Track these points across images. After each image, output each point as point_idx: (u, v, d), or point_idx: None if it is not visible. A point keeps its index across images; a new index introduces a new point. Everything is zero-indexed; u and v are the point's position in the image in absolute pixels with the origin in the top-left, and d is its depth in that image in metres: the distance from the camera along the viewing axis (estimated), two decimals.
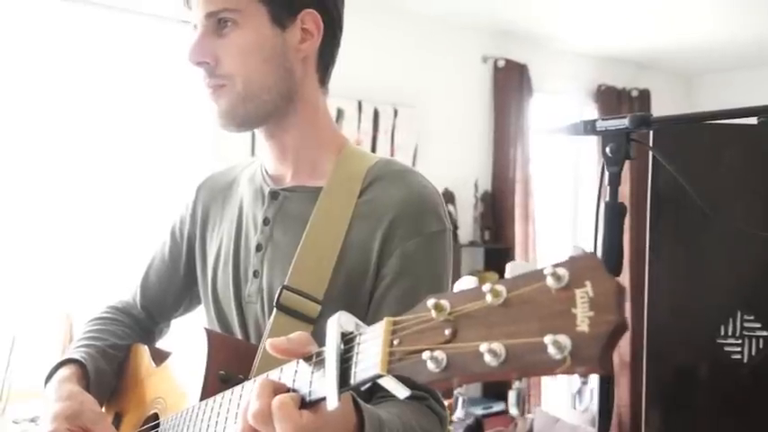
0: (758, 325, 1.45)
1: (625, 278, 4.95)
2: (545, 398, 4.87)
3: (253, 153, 3.41)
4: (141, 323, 1.37)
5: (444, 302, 0.62)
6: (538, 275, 0.56)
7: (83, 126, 3.36)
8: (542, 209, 4.96)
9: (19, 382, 2.89)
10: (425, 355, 0.61)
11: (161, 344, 1.39)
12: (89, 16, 3.34)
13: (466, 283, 0.63)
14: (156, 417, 1.14)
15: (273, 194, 1.17)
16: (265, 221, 1.16)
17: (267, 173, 1.21)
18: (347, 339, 0.72)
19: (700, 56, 5.34)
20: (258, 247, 1.16)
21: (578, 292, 0.54)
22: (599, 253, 1.31)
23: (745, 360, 1.45)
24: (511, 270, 0.61)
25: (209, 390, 0.98)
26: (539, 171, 4.91)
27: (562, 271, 0.55)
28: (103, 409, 1.15)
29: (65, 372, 1.17)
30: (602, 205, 1.28)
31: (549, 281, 0.55)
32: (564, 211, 5.34)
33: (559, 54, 5.07)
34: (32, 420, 2.86)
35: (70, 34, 3.31)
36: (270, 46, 1.08)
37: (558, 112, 5.17)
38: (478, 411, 4.20)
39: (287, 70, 1.11)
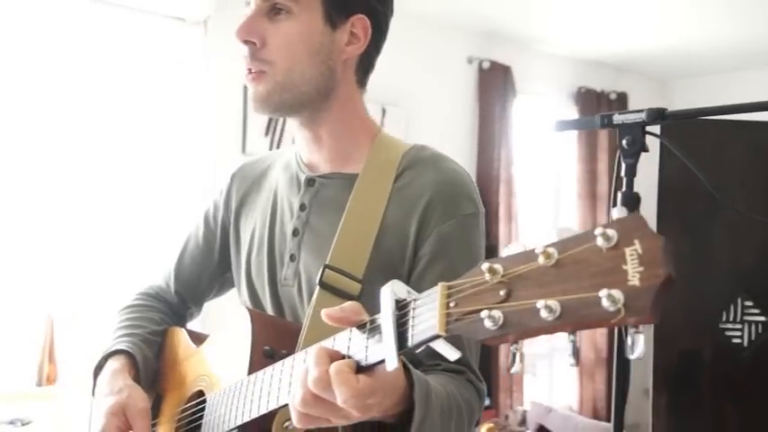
0: (757, 311, 1.53)
1: None
2: (527, 395, 4.94)
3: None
4: (174, 308, 1.41)
5: (497, 266, 0.66)
6: (588, 236, 0.61)
7: (71, 127, 3.27)
8: (525, 208, 5.03)
9: None
10: (483, 314, 0.65)
11: (190, 326, 1.41)
12: (97, 14, 3.28)
13: (514, 248, 0.68)
14: (200, 394, 1.17)
15: (310, 181, 1.21)
16: (302, 207, 1.20)
17: (302, 160, 1.24)
18: (401, 306, 0.76)
19: (676, 60, 5.47)
20: (294, 232, 1.19)
21: (627, 250, 0.58)
22: None
23: (746, 344, 1.53)
24: (558, 234, 0.67)
25: (255, 365, 1.02)
26: (521, 171, 4.98)
27: (611, 231, 0.59)
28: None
29: (115, 364, 1.20)
30: (619, 195, 1.34)
31: (600, 241, 0.59)
32: (545, 211, 5.43)
33: (542, 56, 5.15)
34: (11, 423, 2.76)
35: (77, 32, 3.24)
36: (317, 41, 1.11)
37: (539, 113, 5.25)
38: None
39: (329, 68, 1.13)
